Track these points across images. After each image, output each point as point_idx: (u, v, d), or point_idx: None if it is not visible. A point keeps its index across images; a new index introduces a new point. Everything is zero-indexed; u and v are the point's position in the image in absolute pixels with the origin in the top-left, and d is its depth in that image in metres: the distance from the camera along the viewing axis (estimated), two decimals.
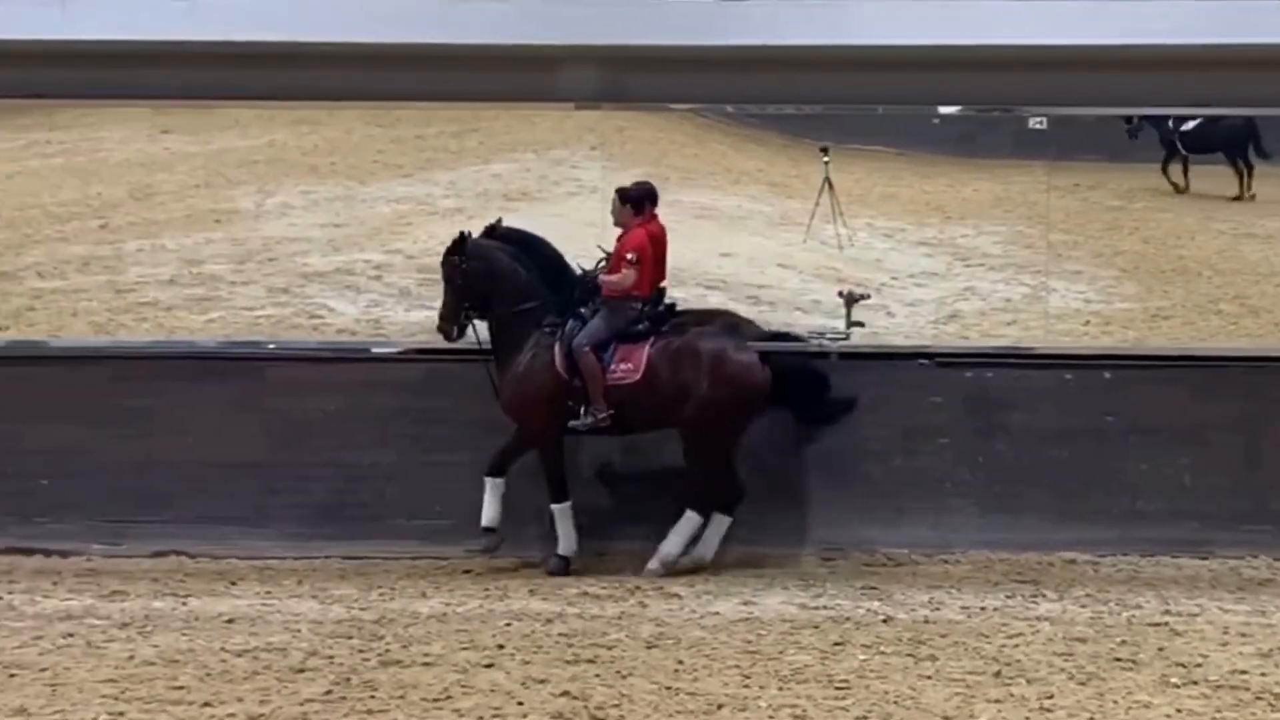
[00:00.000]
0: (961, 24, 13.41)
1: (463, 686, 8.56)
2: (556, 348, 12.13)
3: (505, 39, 14.17)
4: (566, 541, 12.16)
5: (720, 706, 8.23)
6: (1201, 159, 13.68)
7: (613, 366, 12.07)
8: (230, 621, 10.14)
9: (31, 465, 12.51)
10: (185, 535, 12.30)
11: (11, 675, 8.70)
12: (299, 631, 9.84)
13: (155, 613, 10.39)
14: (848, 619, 10.35)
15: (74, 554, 12.21)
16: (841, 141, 13.91)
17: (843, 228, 13.63)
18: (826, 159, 13.66)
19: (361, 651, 9.32)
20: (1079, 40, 12.78)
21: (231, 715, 8.01)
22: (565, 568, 12.04)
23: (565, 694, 8.42)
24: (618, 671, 8.90)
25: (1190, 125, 13.65)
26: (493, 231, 12.58)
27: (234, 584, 11.42)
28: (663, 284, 12.64)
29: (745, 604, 10.79)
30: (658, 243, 12.55)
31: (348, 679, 8.68)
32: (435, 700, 8.31)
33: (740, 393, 12.08)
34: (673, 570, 11.88)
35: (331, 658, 9.17)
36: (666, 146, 14.33)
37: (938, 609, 10.69)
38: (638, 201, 12.45)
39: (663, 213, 13.41)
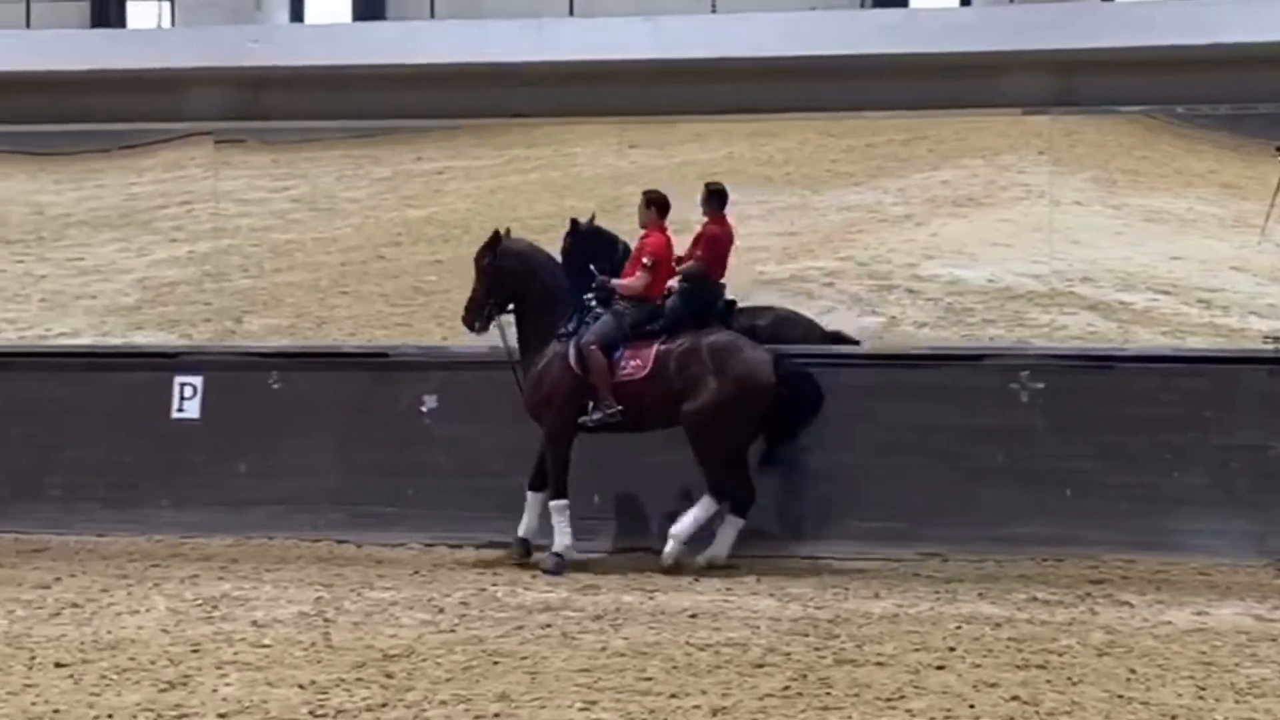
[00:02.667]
0: None
1: (915, 687, 8.46)
2: (570, 346, 12.02)
3: (953, 47, 14.04)
4: (561, 539, 11.98)
5: (1174, 718, 7.94)
6: None
7: (622, 364, 11.95)
8: (694, 616, 10.25)
9: (515, 465, 12.90)
10: (651, 532, 12.47)
11: (495, 663, 8.97)
12: (758, 628, 9.90)
13: (625, 606, 10.59)
14: None
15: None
16: None
17: None
18: None
19: (817, 649, 9.32)
20: None
21: (696, 707, 8.06)
22: (562, 565, 11.84)
23: (1015, 699, 8.23)
24: (1068, 678, 8.66)
25: None
26: (575, 229, 12.50)
27: (697, 580, 11.55)
28: (722, 282, 12.49)
29: (1199, 614, 10.39)
30: (717, 242, 12.37)
31: (804, 675, 8.68)
32: (888, 700, 8.22)
33: (745, 390, 11.78)
34: (687, 568, 11.75)
35: (789, 654, 9.18)
36: (1115, 149, 13.94)
37: None
38: (659, 207, 12.27)
39: (1110, 216, 13.11)
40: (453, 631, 9.80)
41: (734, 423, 11.86)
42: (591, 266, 12.34)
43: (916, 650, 9.29)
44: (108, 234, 15.04)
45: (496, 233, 12.39)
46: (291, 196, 14.88)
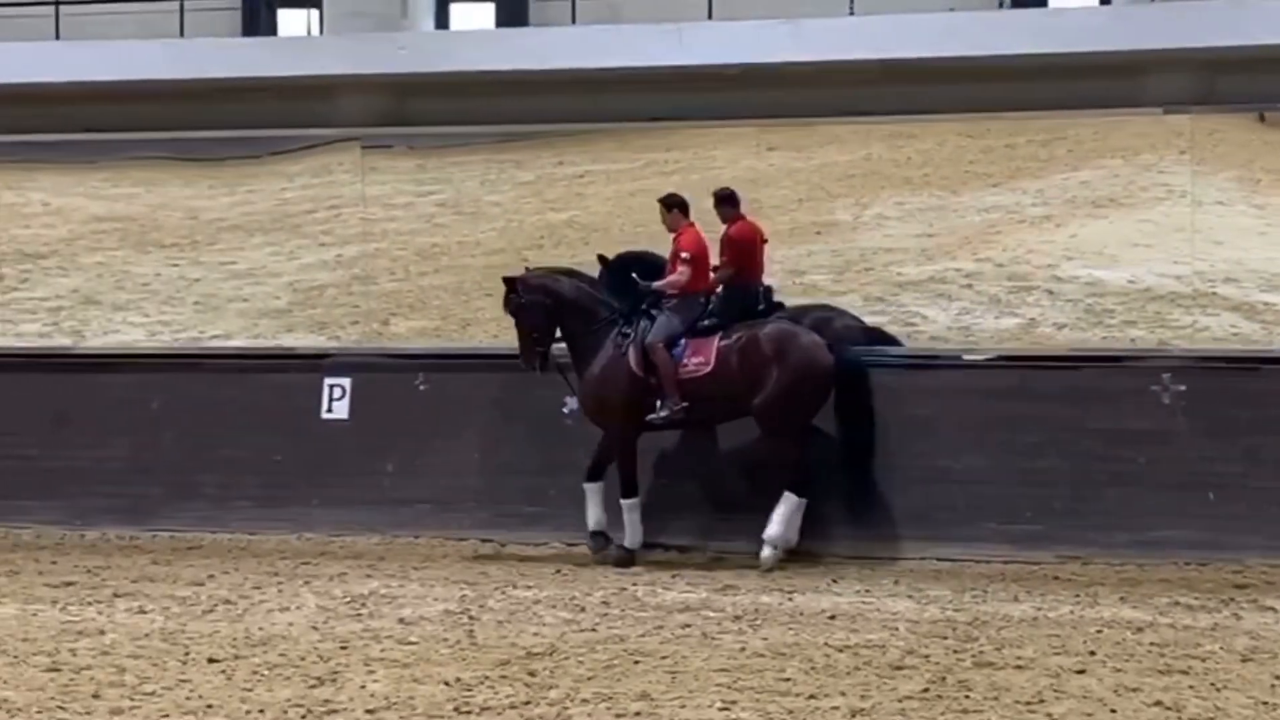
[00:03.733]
0: None
1: (1055, 691, 8.35)
2: (630, 349, 12.17)
3: (1093, 46, 13.87)
4: (633, 536, 12.26)
5: None
6: None
7: (684, 361, 12.09)
8: (832, 618, 10.22)
9: (654, 466, 12.91)
10: None
11: (636, 662, 8.99)
12: (896, 630, 9.84)
13: (764, 607, 10.57)
14: None
15: (691, 549, 12.55)
16: None
17: None
18: None
19: (956, 652, 9.23)
20: None
21: (835, 708, 8.03)
22: (630, 559, 12.17)
23: (1158, 704, 8.11)
24: (1212, 684, 8.51)
25: None
26: (605, 264, 12.74)
27: (835, 582, 11.50)
28: (766, 283, 12.59)
29: None
30: (741, 242, 12.43)
31: (943, 678, 8.61)
32: (1028, 704, 8.13)
33: (808, 375, 11.95)
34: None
35: (928, 656, 9.12)
36: (1259, 148, 13.69)
37: None
38: (681, 207, 12.43)
39: (1254, 216, 12.87)
40: (594, 630, 9.85)
41: (802, 409, 12.04)
42: (634, 275, 12.54)
43: (1057, 654, 9.18)
44: (259, 238, 15.27)
45: (507, 279, 12.71)
46: (437, 201, 15.01)
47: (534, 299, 12.53)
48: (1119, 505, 12.15)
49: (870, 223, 14.32)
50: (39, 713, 7.95)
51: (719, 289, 12.53)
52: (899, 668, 8.85)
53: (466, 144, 15.07)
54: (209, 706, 8.07)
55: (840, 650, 9.26)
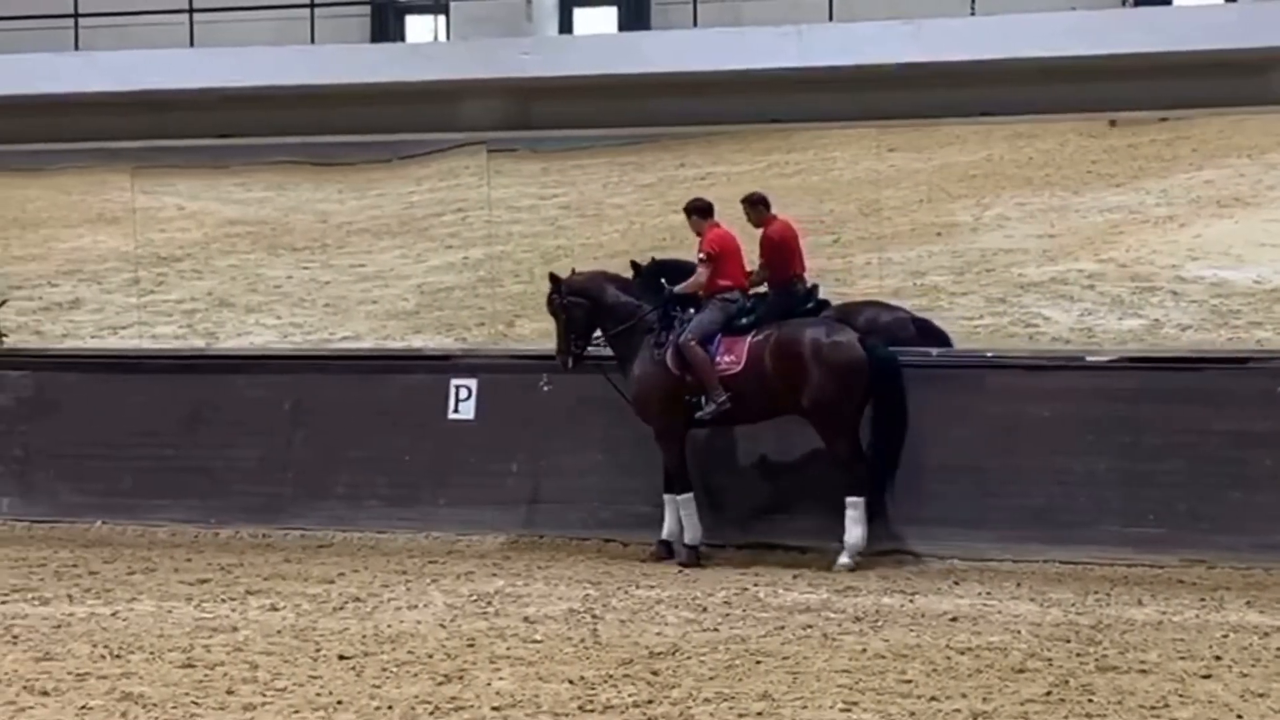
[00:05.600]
0: None
1: (1180, 696, 8.25)
2: (668, 349, 12.19)
3: (1217, 44, 13.69)
4: (692, 532, 12.31)
5: None
6: None
7: (718, 359, 12.09)
8: (954, 620, 10.14)
9: (776, 467, 12.87)
10: (909, 535, 12.31)
11: (757, 662, 8.99)
12: (1018, 633, 9.74)
13: (885, 608, 10.51)
14: None
15: (813, 550, 12.46)
16: None
17: None
18: None
19: (1079, 655, 9.13)
20: None
21: (956, 711, 7.99)
22: (696, 558, 12.20)
23: None
24: None
25: None
26: (637, 270, 12.77)
27: (956, 584, 11.40)
28: (804, 274, 12.48)
29: None
30: (777, 242, 12.37)
31: (1066, 682, 8.52)
32: (1152, 708, 8.04)
33: (843, 373, 11.84)
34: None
35: (1050, 660, 9.02)
36: None
37: None
38: (700, 211, 12.45)
39: None
40: (716, 630, 9.84)
41: (847, 405, 11.95)
42: (662, 280, 12.57)
43: (1181, 658, 9.06)
44: (387, 241, 15.44)
45: (553, 275, 12.77)
46: (560, 203, 15.11)
47: (574, 300, 12.65)
48: (1244, 508, 11.93)
49: (991, 223, 14.22)
50: (174, 708, 8.10)
51: (763, 287, 12.52)
52: (1021, 671, 8.78)
53: (589, 147, 15.14)
54: (339, 703, 8.17)
55: (962, 653, 9.20)
